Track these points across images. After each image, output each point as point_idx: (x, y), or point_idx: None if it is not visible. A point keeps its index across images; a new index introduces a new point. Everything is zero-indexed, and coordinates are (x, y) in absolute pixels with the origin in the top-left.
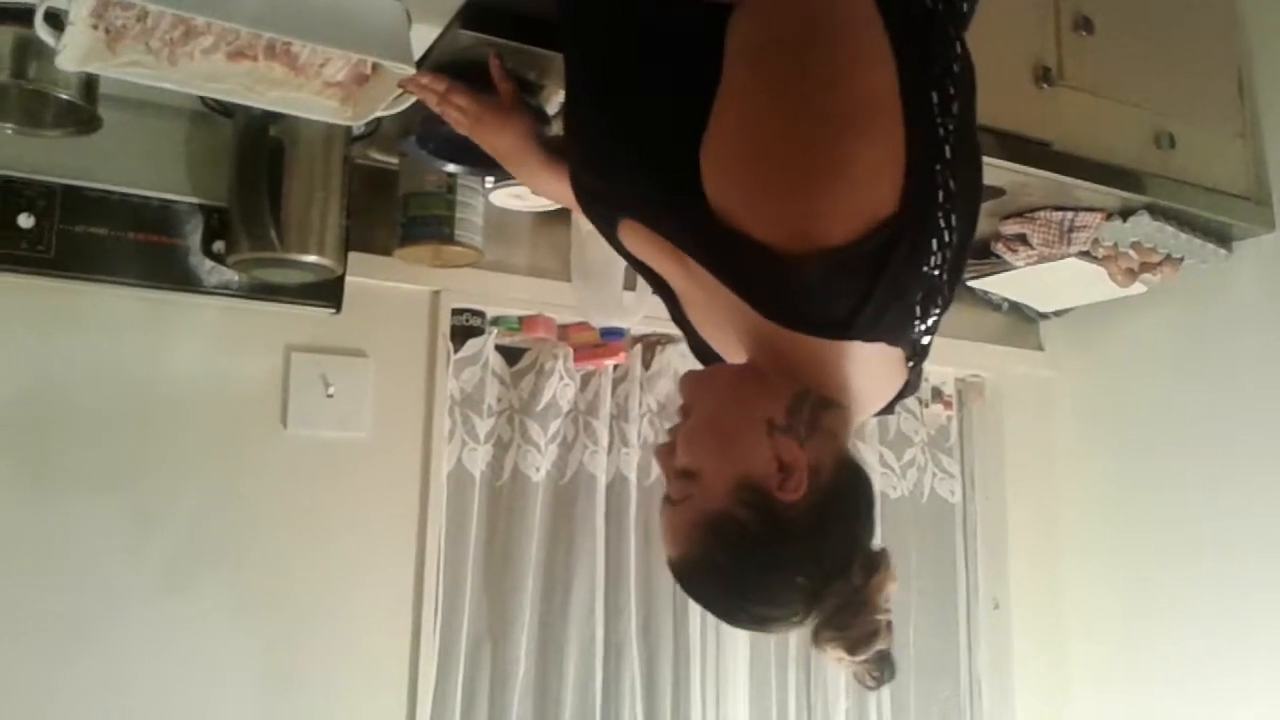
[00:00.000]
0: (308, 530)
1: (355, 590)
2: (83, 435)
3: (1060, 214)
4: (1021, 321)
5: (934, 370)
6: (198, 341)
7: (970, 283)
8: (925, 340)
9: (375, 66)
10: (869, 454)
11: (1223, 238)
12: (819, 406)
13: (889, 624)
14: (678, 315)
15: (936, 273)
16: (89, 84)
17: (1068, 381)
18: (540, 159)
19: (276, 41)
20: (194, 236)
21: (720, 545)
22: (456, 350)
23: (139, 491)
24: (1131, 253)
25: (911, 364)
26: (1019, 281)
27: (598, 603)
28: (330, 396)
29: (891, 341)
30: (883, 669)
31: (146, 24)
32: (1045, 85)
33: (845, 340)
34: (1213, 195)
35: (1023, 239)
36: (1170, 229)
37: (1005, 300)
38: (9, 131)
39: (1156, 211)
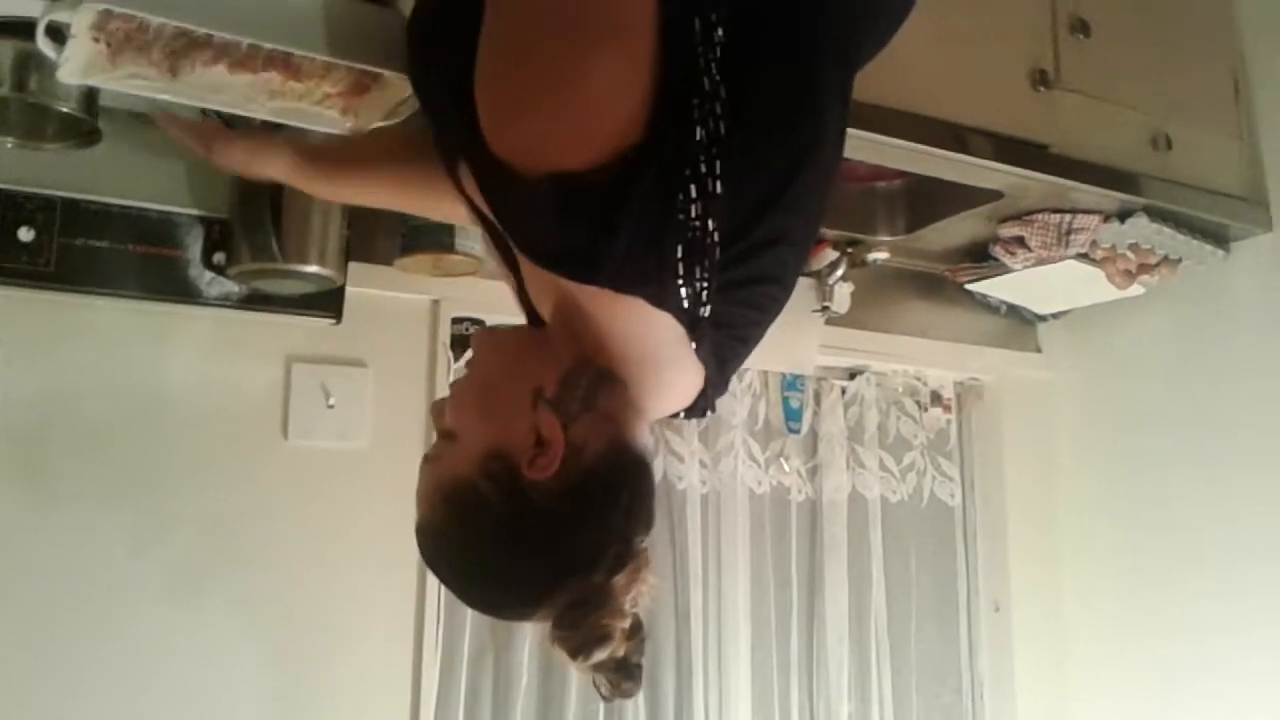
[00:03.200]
0: (309, 540)
1: (357, 600)
2: (85, 447)
3: (1058, 216)
4: (1020, 324)
5: (933, 374)
6: (198, 353)
7: (968, 286)
8: (702, 312)
9: (376, 77)
10: (868, 458)
11: (1220, 239)
12: (597, 382)
13: (629, 630)
14: (521, 291)
15: (698, 224)
16: (90, 97)
17: (1066, 384)
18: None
19: (277, 52)
20: (194, 248)
21: (457, 516)
22: (457, 359)
23: (140, 503)
24: (1129, 254)
25: (695, 345)
26: (1017, 284)
27: None
28: (331, 407)
29: (656, 301)
30: (620, 680)
31: (148, 36)
32: (1042, 88)
33: (597, 286)
34: (1210, 196)
35: (1021, 241)
36: (1168, 230)
37: (1003, 303)
38: (9, 145)
39: (1154, 213)
